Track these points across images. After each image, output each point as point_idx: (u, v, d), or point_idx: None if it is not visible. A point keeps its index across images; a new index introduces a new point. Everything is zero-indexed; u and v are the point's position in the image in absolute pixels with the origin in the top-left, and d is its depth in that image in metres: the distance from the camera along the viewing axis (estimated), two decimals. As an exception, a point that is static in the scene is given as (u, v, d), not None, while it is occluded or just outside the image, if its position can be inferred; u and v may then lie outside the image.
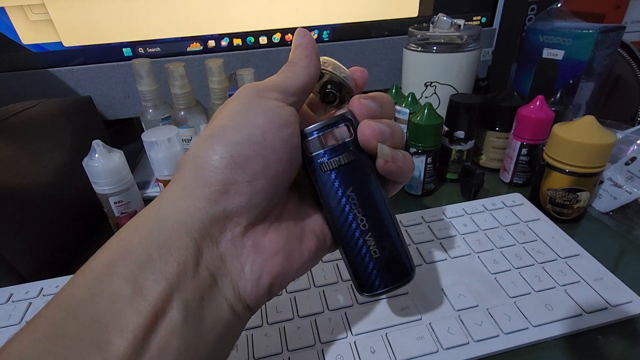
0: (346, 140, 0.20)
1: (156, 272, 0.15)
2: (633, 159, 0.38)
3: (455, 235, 0.35)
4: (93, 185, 0.36)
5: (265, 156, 0.18)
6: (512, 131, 0.42)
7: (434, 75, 0.45)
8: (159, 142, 0.37)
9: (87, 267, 0.16)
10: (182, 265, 0.16)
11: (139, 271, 0.15)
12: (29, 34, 0.45)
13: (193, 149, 0.18)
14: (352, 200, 0.20)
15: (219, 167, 0.17)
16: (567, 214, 0.37)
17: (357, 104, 0.21)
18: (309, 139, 0.20)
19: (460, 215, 0.37)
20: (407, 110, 0.43)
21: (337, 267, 0.32)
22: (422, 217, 0.37)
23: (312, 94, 0.22)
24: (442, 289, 0.29)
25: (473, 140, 0.43)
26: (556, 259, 0.32)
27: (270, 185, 0.18)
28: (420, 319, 0.27)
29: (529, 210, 0.37)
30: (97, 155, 0.35)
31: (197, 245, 0.16)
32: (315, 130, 0.20)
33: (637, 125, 0.44)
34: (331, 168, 0.20)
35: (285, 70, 0.20)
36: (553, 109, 0.40)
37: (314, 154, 0.20)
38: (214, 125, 0.18)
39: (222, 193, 0.17)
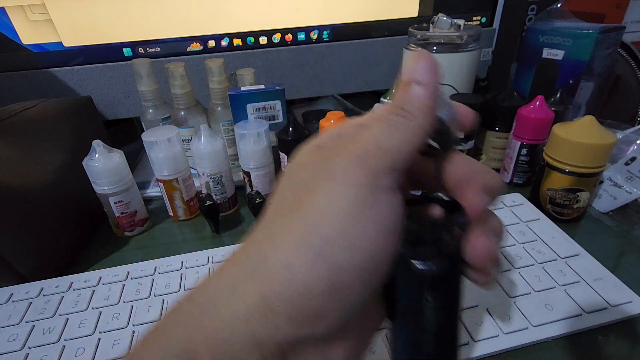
0: (451, 251, 0.16)
1: None
2: (633, 159, 0.38)
3: (455, 235, 0.35)
4: (93, 185, 0.36)
5: (370, 281, 0.14)
6: (512, 131, 0.42)
7: (434, 75, 0.45)
8: (159, 142, 0.37)
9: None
10: None
11: None
12: (29, 34, 0.45)
13: (279, 248, 0.13)
14: (431, 310, 0.16)
15: (316, 292, 0.13)
16: (567, 214, 0.37)
17: (476, 210, 0.16)
18: (413, 249, 0.15)
19: (460, 215, 0.37)
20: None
21: (337, 267, 0.32)
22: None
23: None
24: (442, 289, 0.29)
25: (473, 140, 0.43)
26: (556, 259, 0.32)
27: (363, 304, 0.14)
28: (420, 318, 0.27)
29: (528, 210, 0.37)
30: (97, 155, 0.35)
31: None
32: (420, 239, 0.16)
33: (637, 125, 0.44)
34: (422, 277, 0.15)
35: (397, 124, 0.15)
36: (553, 109, 0.40)
37: (410, 261, 0.15)
38: (312, 221, 0.13)
39: (311, 318, 0.13)
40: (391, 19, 0.53)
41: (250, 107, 0.41)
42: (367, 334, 0.17)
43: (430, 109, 0.15)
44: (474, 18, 0.55)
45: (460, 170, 0.17)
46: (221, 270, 0.15)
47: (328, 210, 0.13)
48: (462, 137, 0.42)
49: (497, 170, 0.46)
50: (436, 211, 0.18)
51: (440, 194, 0.17)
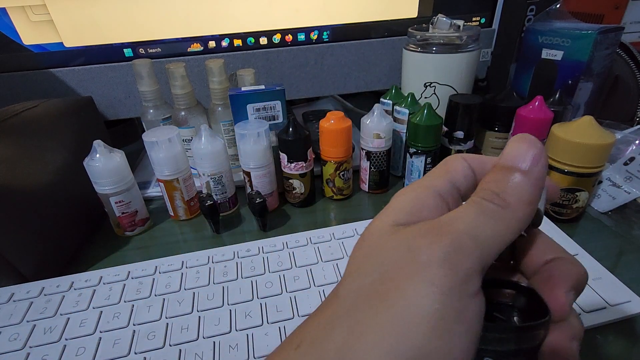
0: (529, 352, 0.14)
1: None
2: (632, 159, 0.38)
3: (455, 235, 0.35)
4: (94, 185, 0.36)
5: None
6: (511, 131, 0.42)
7: (433, 75, 0.45)
8: (160, 142, 0.37)
9: None
10: None
11: None
12: (30, 35, 0.45)
13: (369, 348, 0.12)
14: None
15: None
16: (566, 214, 0.37)
17: (563, 310, 0.14)
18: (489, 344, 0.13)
19: (460, 215, 0.37)
20: (407, 111, 0.43)
21: (337, 267, 0.32)
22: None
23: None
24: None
25: (472, 141, 0.43)
26: (555, 259, 0.32)
27: None
28: (420, 318, 0.27)
29: (528, 210, 0.37)
30: (98, 155, 0.35)
31: None
32: (498, 335, 0.13)
33: (636, 125, 0.45)
34: None
35: (493, 213, 0.13)
36: (552, 109, 0.41)
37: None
38: (401, 328, 0.12)
39: None
40: (391, 20, 0.53)
41: (250, 107, 0.41)
42: None
43: (533, 203, 0.14)
44: (474, 19, 0.56)
45: (542, 255, 0.15)
46: (307, 352, 0.13)
47: (417, 317, 0.12)
48: (462, 137, 0.42)
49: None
50: (511, 299, 0.16)
51: (516, 280, 0.15)
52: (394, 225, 0.14)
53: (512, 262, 0.17)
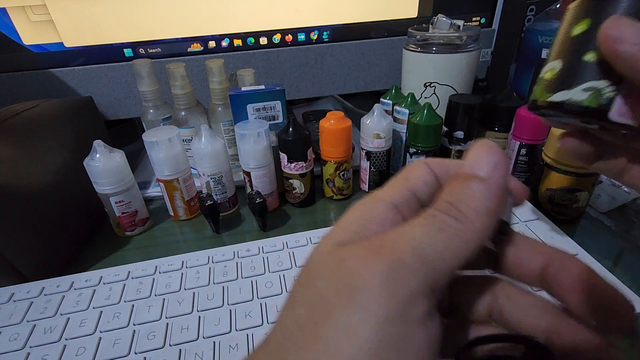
0: None
1: None
2: (632, 159, 0.38)
3: (455, 235, 0.35)
4: (94, 185, 0.36)
5: None
6: (511, 131, 0.42)
7: (433, 75, 0.45)
8: (160, 142, 0.37)
9: None
10: None
11: None
12: (30, 35, 0.45)
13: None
14: None
15: None
16: (566, 214, 0.37)
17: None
18: None
19: (460, 215, 0.37)
20: (407, 111, 0.43)
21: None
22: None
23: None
24: (442, 289, 0.29)
25: (472, 141, 0.43)
26: (555, 259, 0.32)
27: None
28: (420, 318, 0.27)
29: (527, 210, 0.38)
30: (98, 155, 0.35)
31: None
32: None
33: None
34: None
35: (446, 227, 0.12)
36: (552, 109, 0.41)
37: None
38: (341, 346, 0.11)
39: None
40: (391, 20, 0.53)
41: (250, 108, 0.41)
42: None
43: (492, 212, 0.12)
44: (474, 19, 0.56)
45: (533, 261, 0.14)
46: None
47: (352, 349, 0.11)
48: (462, 136, 0.42)
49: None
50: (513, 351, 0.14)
51: (529, 335, 0.14)
52: (335, 246, 0.13)
53: (492, 271, 0.15)
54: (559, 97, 0.16)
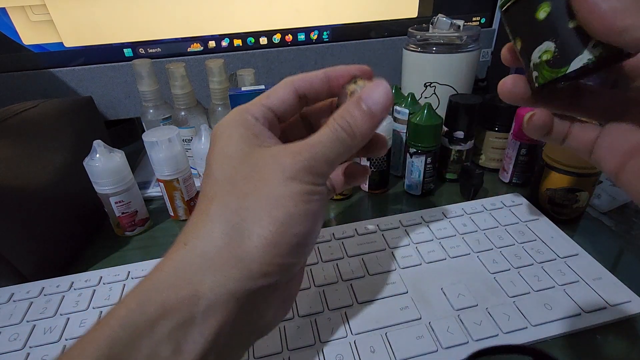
0: None
1: (196, 333, 0.16)
2: (632, 159, 0.38)
3: (455, 235, 0.35)
4: (94, 185, 0.36)
5: (314, 241, 0.20)
6: (512, 131, 0.42)
7: (433, 75, 0.45)
8: (160, 142, 0.37)
9: (126, 314, 0.16)
10: (222, 325, 0.17)
11: (182, 332, 0.16)
12: (30, 35, 0.45)
13: (253, 221, 0.17)
14: None
15: (281, 252, 0.18)
16: (566, 214, 0.37)
17: None
18: None
19: (460, 215, 0.37)
20: (407, 111, 0.43)
21: (337, 267, 0.32)
22: (421, 217, 0.37)
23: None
24: (442, 289, 0.29)
25: (472, 141, 0.43)
26: (555, 259, 0.32)
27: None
28: (420, 318, 0.27)
29: (528, 210, 0.38)
30: (98, 155, 0.35)
31: (239, 305, 0.17)
32: None
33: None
34: None
35: (342, 141, 0.19)
36: (552, 109, 0.41)
37: None
38: (277, 201, 0.18)
39: (277, 269, 0.18)
40: (391, 20, 0.53)
41: (250, 108, 0.41)
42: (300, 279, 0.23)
43: (368, 137, 0.19)
44: (474, 19, 0.56)
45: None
46: (192, 245, 0.18)
47: (287, 194, 0.18)
48: (462, 137, 0.42)
49: (496, 170, 0.46)
50: None
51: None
52: (255, 147, 0.19)
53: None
54: (576, 64, 0.17)
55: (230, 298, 0.17)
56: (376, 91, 0.20)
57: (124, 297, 0.17)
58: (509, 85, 0.22)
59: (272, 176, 0.18)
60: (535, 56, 0.19)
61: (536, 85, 0.19)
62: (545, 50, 0.18)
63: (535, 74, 0.19)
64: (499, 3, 0.21)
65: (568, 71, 0.18)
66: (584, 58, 0.17)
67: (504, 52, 0.24)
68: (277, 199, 0.18)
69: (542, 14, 0.18)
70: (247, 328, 0.19)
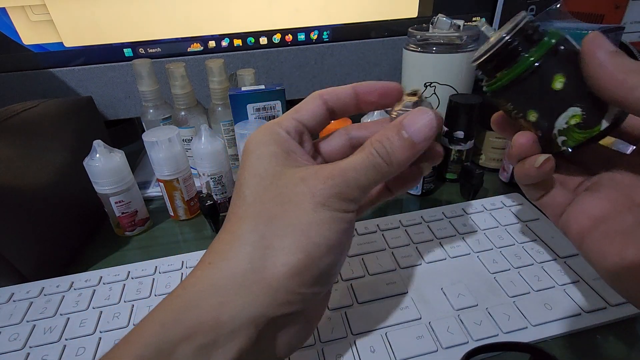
0: None
1: (219, 356, 0.16)
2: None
3: (455, 235, 0.35)
4: (94, 185, 0.36)
5: (338, 270, 0.20)
6: (512, 131, 0.42)
7: (433, 75, 0.45)
8: (160, 142, 0.37)
9: (151, 335, 0.16)
10: (243, 350, 0.17)
11: (204, 355, 0.16)
12: (30, 35, 0.45)
13: (280, 249, 0.17)
14: None
15: (306, 282, 0.18)
16: (567, 214, 0.37)
17: None
18: None
19: (460, 215, 0.37)
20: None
21: (337, 267, 0.32)
22: (421, 216, 0.37)
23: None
24: (442, 289, 0.29)
25: (472, 141, 0.43)
26: (555, 259, 0.32)
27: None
28: (420, 318, 0.27)
29: (528, 210, 0.38)
30: (97, 155, 0.35)
31: (259, 333, 0.17)
32: None
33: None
34: None
35: (377, 167, 0.18)
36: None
37: None
38: (304, 231, 0.17)
39: (301, 298, 0.18)
40: (391, 20, 0.53)
41: (250, 108, 0.41)
42: (323, 305, 0.23)
43: (405, 166, 0.19)
44: (474, 19, 0.55)
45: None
46: (217, 266, 0.18)
47: (315, 224, 0.17)
48: (462, 136, 0.42)
49: (496, 170, 0.46)
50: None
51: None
52: (286, 168, 0.19)
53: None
54: (605, 123, 0.19)
55: (251, 323, 0.17)
56: (420, 119, 0.18)
57: (148, 315, 0.17)
58: (523, 141, 0.21)
59: (301, 200, 0.18)
60: (560, 123, 0.20)
61: (564, 149, 0.20)
62: (572, 115, 0.19)
63: (561, 139, 0.20)
64: (492, 85, 0.21)
65: (602, 128, 0.19)
66: (611, 113, 0.18)
67: (497, 122, 0.24)
68: (305, 227, 0.17)
69: (558, 84, 0.19)
70: (266, 353, 0.19)
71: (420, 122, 0.18)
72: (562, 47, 0.19)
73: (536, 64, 0.19)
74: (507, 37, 0.20)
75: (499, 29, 0.21)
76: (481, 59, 0.21)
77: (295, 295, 0.17)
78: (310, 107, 0.21)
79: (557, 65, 0.19)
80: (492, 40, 0.20)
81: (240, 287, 0.17)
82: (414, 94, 0.21)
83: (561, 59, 0.19)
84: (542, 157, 0.21)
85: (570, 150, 0.20)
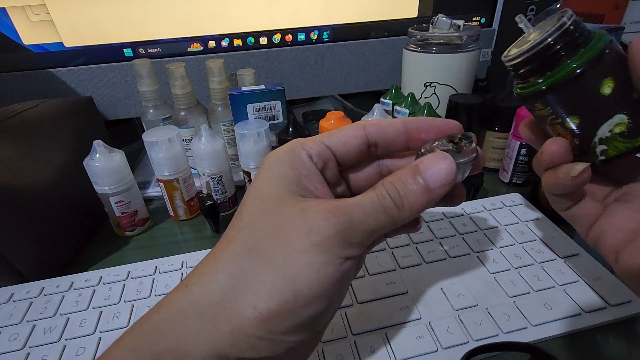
0: None
1: None
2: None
3: (455, 235, 0.35)
4: (94, 185, 0.36)
5: (325, 319, 0.18)
6: (512, 131, 0.42)
7: (433, 75, 0.45)
8: (160, 142, 0.37)
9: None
10: None
11: None
12: (30, 35, 0.45)
13: (254, 289, 0.15)
14: None
15: (277, 332, 0.16)
16: (566, 214, 0.37)
17: None
18: None
19: (460, 215, 0.37)
20: (407, 111, 0.43)
21: (337, 267, 0.32)
22: (421, 216, 0.37)
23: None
24: (442, 289, 0.29)
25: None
26: (555, 259, 0.32)
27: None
28: (420, 318, 0.27)
29: (528, 210, 0.38)
30: (97, 155, 0.35)
31: None
32: None
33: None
34: None
35: (387, 210, 0.16)
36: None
37: None
38: (286, 274, 0.15)
39: (269, 345, 0.16)
40: (391, 20, 0.53)
41: (250, 107, 0.41)
42: (313, 344, 0.20)
43: (419, 213, 0.17)
44: (474, 18, 0.56)
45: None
46: (190, 290, 0.16)
47: (301, 269, 0.15)
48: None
49: (497, 170, 0.46)
50: None
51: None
52: (290, 195, 0.17)
53: None
54: None
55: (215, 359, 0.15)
56: (438, 165, 0.17)
57: (122, 334, 0.16)
58: (555, 148, 0.20)
59: (295, 237, 0.16)
60: (604, 130, 0.19)
61: (602, 158, 0.19)
62: (617, 123, 0.18)
63: (601, 147, 0.19)
64: (528, 88, 0.20)
65: None
66: None
67: (526, 129, 0.23)
68: (289, 268, 0.15)
69: (607, 89, 0.18)
70: None
71: (438, 167, 0.16)
72: (609, 51, 0.18)
73: (582, 68, 0.18)
74: (550, 40, 0.18)
75: (536, 25, 0.20)
76: (518, 60, 0.19)
77: (261, 341, 0.15)
78: (346, 134, 0.19)
79: (606, 69, 0.18)
80: (532, 40, 0.18)
81: (204, 320, 0.15)
82: (459, 139, 0.18)
83: (609, 63, 0.18)
84: (580, 167, 0.19)
85: (605, 159, 0.19)
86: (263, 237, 0.16)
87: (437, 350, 0.25)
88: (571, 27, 0.18)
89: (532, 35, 0.19)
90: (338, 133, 0.20)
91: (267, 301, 0.15)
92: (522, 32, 0.20)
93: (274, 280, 0.15)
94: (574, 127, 0.19)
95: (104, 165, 0.35)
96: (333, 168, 0.20)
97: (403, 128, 0.20)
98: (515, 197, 0.39)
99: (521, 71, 0.20)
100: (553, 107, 0.19)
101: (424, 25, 0.47)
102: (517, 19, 0.21)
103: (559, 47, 0.18)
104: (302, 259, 0.15)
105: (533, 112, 0.21)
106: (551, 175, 0.20)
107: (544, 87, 0.19)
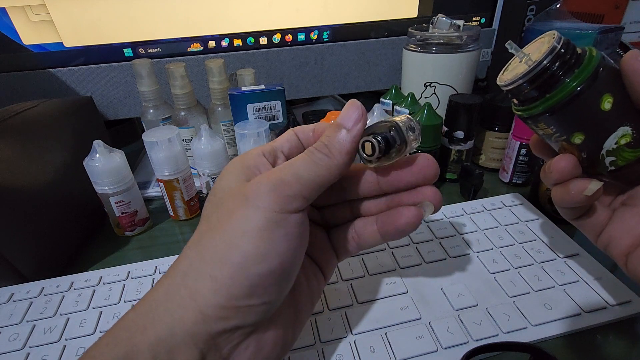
0: None
1: None
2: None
3: (455, 235, 0.35)
4: (94, 185, 0.36)
5: (282, 283, 0.18)
6: (511, 131, 0.42)
7: (433, 75, 0.45)
8: (160, 142, 0.37)
9: (97, 356, 0.16)
10: None
11: None
12: (30, 35, 0.45)
13: (207, 263, 0.17)
14: None
15: (237, 296, 0.16)
16: (566, 214, 0.37)
17: None
18: None
19: (460, 215, 0.37)
20: (407, 111, 0.43)
21: (337, 267, 0.32)
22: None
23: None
24: (442, 289, 0.29)
25: (472, 141, 0.43)
26: (555, 259, 0.32)
27: (282, 298, 0.18)
28: (420, 318, 0.27)
29: (528, 210, 0.38)
30: (97, 155, 0.35)
31: (202, 354, 0.17)
32: None
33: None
34: None
35: (318, 161, 0.18)
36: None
37: None
38: (232, 240, 0.17)
39: (235, 312, 0.17)
40: (391, 20, 0.53)
41: (250, 107, 0.41)
42: (294, 325, 0.21)
43: (350, 153, 0.18)
44: (474, 19, 0.56)
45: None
46: (161, 282, 0.18)
47: (245, 231, 0.17)
48: (462, 136, 0.42)
49: (497, 170, 0.46)
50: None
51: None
52: (238, 182, 0.18)
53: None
54: None
55: (190, 341, 0.16)
56: (349, 110, 0.19)
57: (108, 330, 0.17)
58: (564, 164, 0.20)
59: (236, 208, 0.17)
60: (610, 143, 0.19)
61: (612, 168, 0.20)
62: (622, 135, 0.19)
63: (610, 159, 0.19)
64: (528, 110, 0.20)
65: None
66: None
67: (536, 148, 0.24)
68: (235, 234, 0.17)
69: (607, 104, 0.18)
70: None
71: (349, 111, 0.19)
72: (603, 69, 0.18)
73: (580, 88, 0.18)
74: (545, 62, 0.18)
75: (526, 46, 0.20)
76: (513, 85, 0.20)
77: (227, 310, 0.16)
78: (286, 141, 0.22)
79: (603, 86, 0.18)
80: (525, 65, 0.19)
81: (173, 304, 0.16)
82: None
83: (605, 80, 0.18)
84: (594, 186, 0.20)
85: (615, 170, 0.20)
86: (216, 220, 0.18)
87: (437, 350, 0.25)
88: (562, 50, 0.18)
89: (524, 59, 0.19)
90: (280, 140, 0.22)
91: (220, 267, 0.16)
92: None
93: (223, 248, 0.17)
94: (579, 142, 0.20)
95: (104, 165, 0.35)
96: (283, 159, 0.21)
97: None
98: (515, 197, 0.39)
99: (518, 96, 0.20)
100: (556, 127, 0.20)
101: (424, 25, 0.47)
102: (507, 45, 0.21)
103: (552, 70, 0.18)
104: (244, 222, 0.17)
105: (537, 132, 0.21)
106: (562, 190, 0.21)
107: (542, 110, 0.19)
